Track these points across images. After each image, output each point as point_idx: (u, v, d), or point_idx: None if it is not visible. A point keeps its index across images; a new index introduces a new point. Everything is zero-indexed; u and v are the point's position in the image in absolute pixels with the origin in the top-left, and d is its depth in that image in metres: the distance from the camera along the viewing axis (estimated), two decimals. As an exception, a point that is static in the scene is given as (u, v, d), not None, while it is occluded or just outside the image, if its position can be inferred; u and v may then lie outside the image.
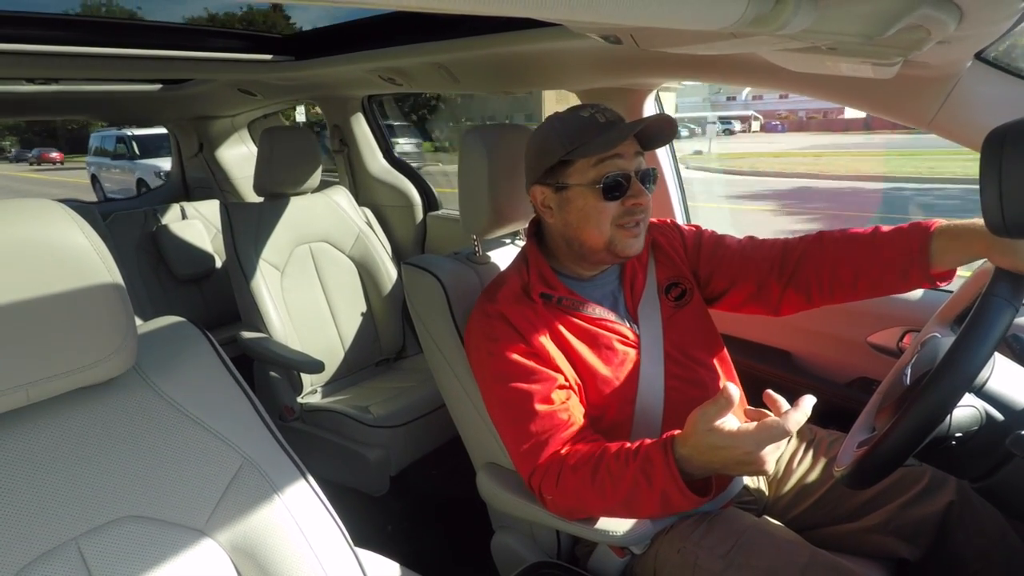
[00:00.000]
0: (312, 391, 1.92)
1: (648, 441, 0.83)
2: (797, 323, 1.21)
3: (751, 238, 1.13)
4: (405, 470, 1.75)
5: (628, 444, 0.85)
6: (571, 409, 0.93)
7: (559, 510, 0.92)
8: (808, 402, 0.71)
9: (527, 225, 1.13)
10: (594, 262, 1.03)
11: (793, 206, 9.45)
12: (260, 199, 1.96)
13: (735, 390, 0.73)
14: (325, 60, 1.78)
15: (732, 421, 0.73)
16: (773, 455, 0.73)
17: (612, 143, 0.92)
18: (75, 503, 0.61)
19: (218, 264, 2.56)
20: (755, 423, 0.72)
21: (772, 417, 0.72)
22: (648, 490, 0.79)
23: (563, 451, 0.89)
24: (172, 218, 2.52)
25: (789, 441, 0.75)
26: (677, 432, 0.80)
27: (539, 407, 0.91)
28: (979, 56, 0.93)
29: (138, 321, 0.67)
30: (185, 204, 2.59)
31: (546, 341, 0.96)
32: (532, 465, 0.91)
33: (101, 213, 2.33)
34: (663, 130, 0.97)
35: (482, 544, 1.26)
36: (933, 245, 0.90)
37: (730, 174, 13.79)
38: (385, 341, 2.11)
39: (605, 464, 0.84)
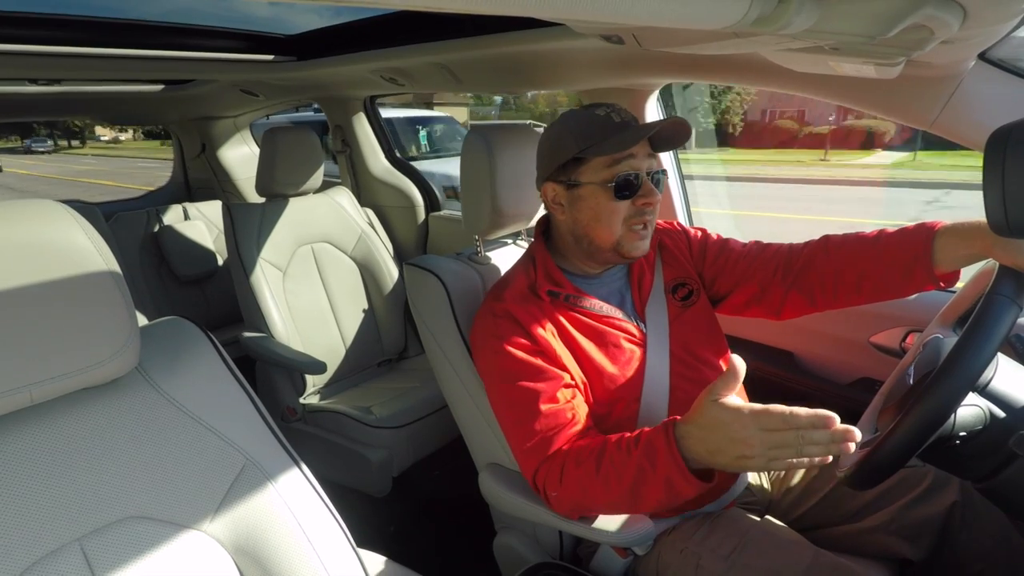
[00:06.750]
0: (314, 392, 1.92)
1: (648, 429, 0.82)
2: (800, 324, 1.21)
3: (756, 242, 1.13)
4: (407, 471, 1.75)
5: (628, 433, 0.84)
6: (576, 407, 0.92)
7: (563, 508, 0.91)
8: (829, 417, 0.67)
9: (532, 224, 1.12)
10: (601, 261, 1.03)
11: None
12: (262, 200, 1.96)
13: (741, 363, 0.72)
14: (327, 60, 1.79)
15: (737, 400, 0.72)
16: (769, 446, 0.68)
17: (627, 143, 0.92)
18: (78, 504, 0.61)
19: (220, 264, 2.57)
20: (760, 405, 0.70)
21: (780, 405, 0.69)
22: (652, 476, 0.78)
23: (565, 448, 0.89)
24: (174, 218, 2.52)
25: (799, 465, 0.68)
26: (678, 417, 0.79)
27: (544, 406, 0.91)
28: (983, 56, 0.92)
29: (141, 321, 0.68)
30: (187, 205, 2.60)
31: (553, 339, 0.96)
32: (536, 463, 0.90)
33: (103, 214, 2.34)
34: (676, 133, 0.96)
35: (484, 545, 1.26)
36: (937, 243, 0.90)
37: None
38: (387, 342, 2.11)
39: (608, 455, 0.83)
